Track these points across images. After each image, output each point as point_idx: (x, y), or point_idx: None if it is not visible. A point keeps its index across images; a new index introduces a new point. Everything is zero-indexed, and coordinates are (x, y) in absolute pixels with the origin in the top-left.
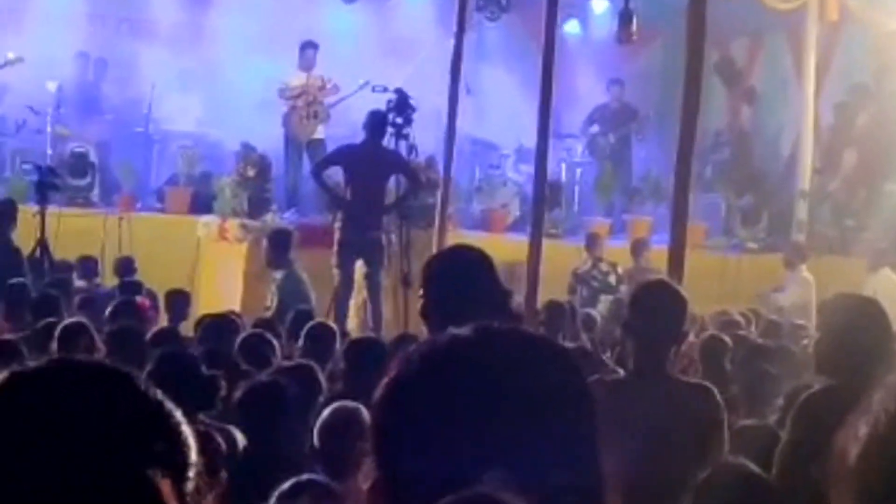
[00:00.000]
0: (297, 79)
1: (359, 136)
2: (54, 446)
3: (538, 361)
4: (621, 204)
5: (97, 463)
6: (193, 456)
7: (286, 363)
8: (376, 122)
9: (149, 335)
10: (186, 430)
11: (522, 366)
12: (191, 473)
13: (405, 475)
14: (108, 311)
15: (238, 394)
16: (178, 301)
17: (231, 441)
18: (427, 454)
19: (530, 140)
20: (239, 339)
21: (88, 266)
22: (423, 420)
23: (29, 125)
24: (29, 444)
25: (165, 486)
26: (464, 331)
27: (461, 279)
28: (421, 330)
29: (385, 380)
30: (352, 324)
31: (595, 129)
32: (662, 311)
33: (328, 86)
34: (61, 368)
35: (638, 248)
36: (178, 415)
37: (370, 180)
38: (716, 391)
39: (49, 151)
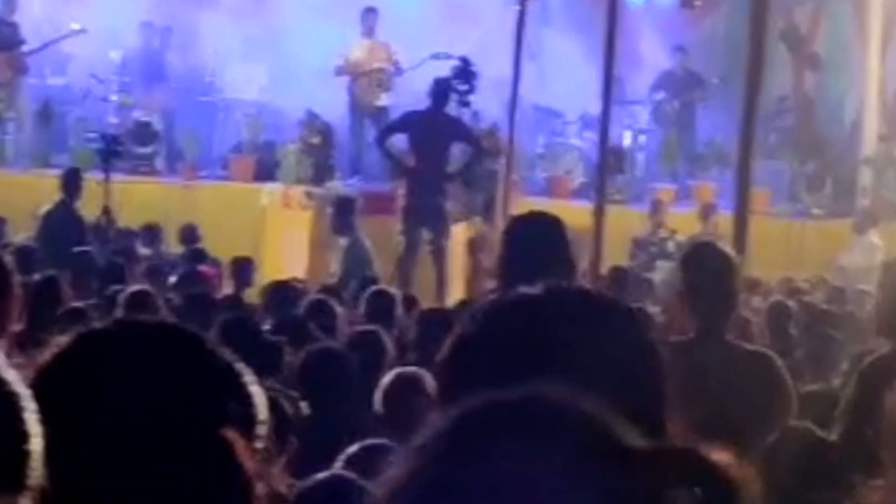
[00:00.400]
0: (360, 48)
1: (423, 104)
2: (127, 406)
3: (606, 320)
4: (685, 170)
5: (171, 422)
6: (264, 415)
7: (352, 330)
8: (440, 90)
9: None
10: (257, 389)
11: (590, 323)
12: (262, 432)
13: None
14: (172, 279)
15: (300, 361)
16: (243, 268)
17: (296, 407)
18: None
19: (594, 107)
20: (303, 306)
21: (152, 234)
22: (487, 377)
23: (93, 94)
24: (101, 404)
25: (239, 443)
26: (532, 289)
27: (536, 243)
28: (485, 296)
29: (450, 337)
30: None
31: (660, 95)
32: (710, 271)
33: (393, 58)
34: (131, 328)
35: (706, 214)
36: (248, 374)
37: (433, 147)
38: (776, 358)
39: (113, 120)
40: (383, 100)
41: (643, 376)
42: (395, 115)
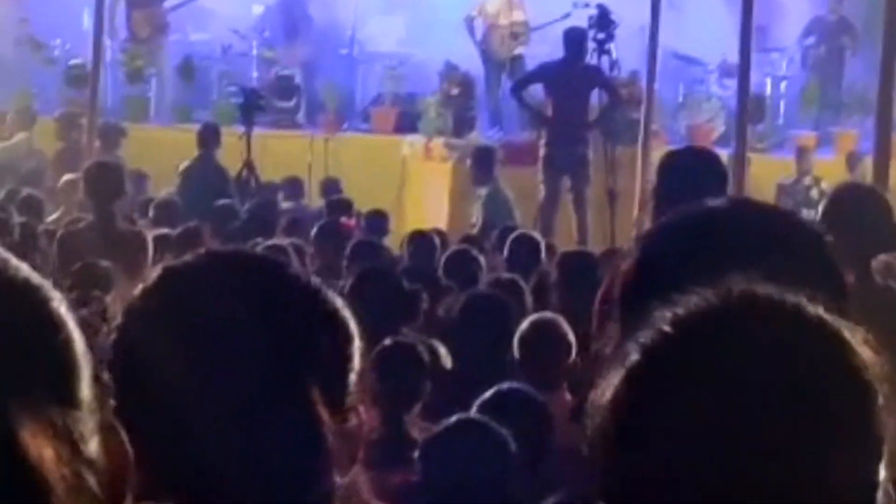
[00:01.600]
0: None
1: (556, 55)
2: (207, 337)
3: (791, 237)
4: (828, 117)
5: (252, 354)
6: (356, 346)
7: (491, 276)
8: (576, 39)
9: (348, 250)
10: (348, 316)
11: (775, 240)
12: (354, 363)
13: None
14: (313, 231)
15: (460, 304)
16: (376, 221)
17: (434, 354)
18: None
19: (735, 54)
20: (444, 256)
21: (294, 187)
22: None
23: (235, 49)
24: (180, 337)
25: (316, 394)
26: (717, 202)
27: (693, 175)
28: (627, 244)
29: (629, 259)
30: None
31: (811, 40)
32: (859, 215)
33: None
34: (212, 259)
35: (852, 161)
36: (339, 302)
37: (571, 97)
38: None
39: (255, 74)
40: (518, 51)
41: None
42: (530, 64)
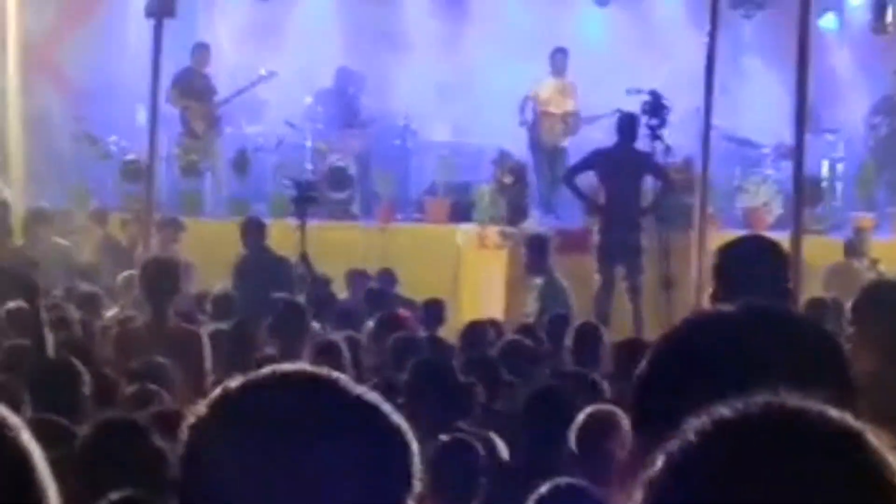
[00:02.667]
0: (549, 87)
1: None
2: (276, 464)
3: (802, 341)
4: (886, 198)
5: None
6: (415, 459)
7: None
8: (628, 125)
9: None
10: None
11: (785, 343)
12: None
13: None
14: (369, 324)
15: (524, 399)
16: (432, 310)
17: (491, 448)
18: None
19: (790, 136)
20: (499, 346)
21: (353, 277)
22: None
23: (288, 140)
24: (248, 460)
25: None
26: (729, 307)
27: (754, 267)
28: None
29: (648, 353)
30: None
31: (877, 119)
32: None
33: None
34: (272, 381)
35: None
36: (397, 419)
37: (624, 183)
38: None
39: (309, 166)
40: (565, 142)
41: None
42: (574, 153)
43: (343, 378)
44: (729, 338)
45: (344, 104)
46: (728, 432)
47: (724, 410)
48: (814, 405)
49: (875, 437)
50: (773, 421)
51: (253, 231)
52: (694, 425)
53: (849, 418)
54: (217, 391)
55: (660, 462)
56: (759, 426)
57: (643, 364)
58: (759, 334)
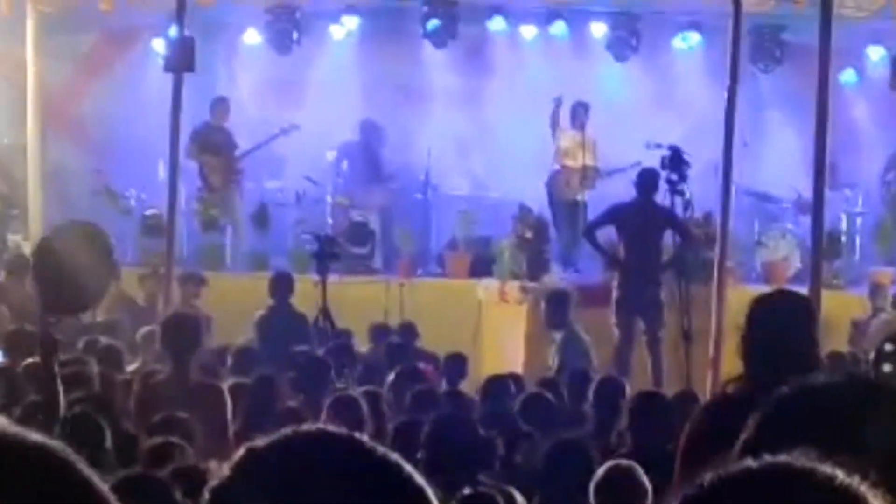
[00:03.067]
0: (569, 138)
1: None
2: None
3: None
4: None
5: None
6: None
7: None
8: (648, 180)
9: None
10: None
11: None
12: None
13: None
14: (390, 378)
15: (545, 452)
16: (455, 364)
17: (512, 502)
18: None
19: (809, 191)
20: (520, 400)
21: (375, 332)
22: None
23: (308, 195)
24: None
25: None
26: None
27: (785, 323)
28: (703, 386)
29: (695, 417)
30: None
31: (891, 175)
32: None
33: (598, 165)
34: (294, 442)
35: None
36: (419, 478)
37: (644, 238)
38: None
39: (329, 220)
40: (583, 196)
41: None
42: (592, 210)
43: (365, 439)
44: (837, 410)
45: (369, 157)
46: (732, 487)
47: (735, 466)
48: (825, 468)
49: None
50: (777, 479)
51: (282, 286)
52: (704, 479)
53: (855, 482)
54: (240, 453)
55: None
56: (762, 483)
57: (750, 427)
58: (864, 408)
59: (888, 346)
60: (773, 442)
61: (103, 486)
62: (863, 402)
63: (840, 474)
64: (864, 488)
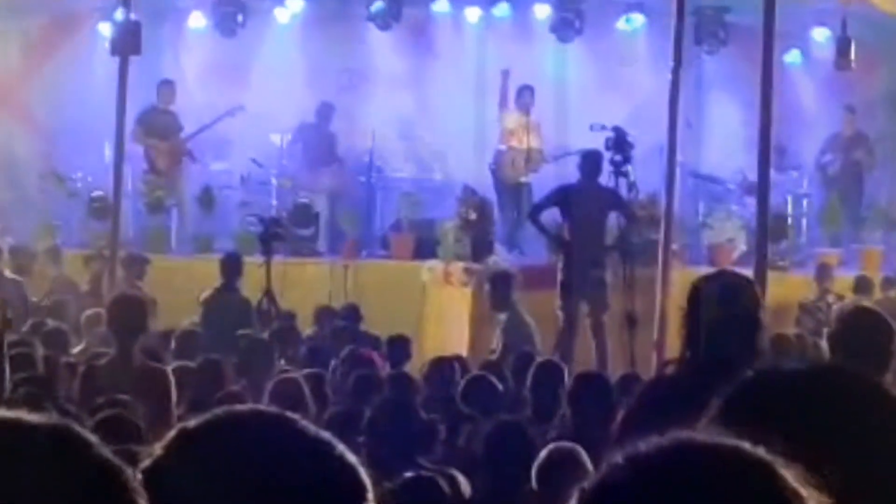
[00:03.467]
0: (514, 120)
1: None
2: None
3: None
4: (850, 234)
5: None
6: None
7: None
8: (592, 162)
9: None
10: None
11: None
12: None
13: None
14: (333, 362)
15: (485, 435)
16: (399, 346)
17: (454, 484)
18: None
19: (754, 172)
20: (462, 383)
21: (319, 315)
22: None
23: (254, 177)
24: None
25: None
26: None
27: (727, 304)
28: (648, 369)
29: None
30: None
31: (828, 157)
32: (864, 338)
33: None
34: (226, 421)
35: (862, 284)
36: (352, 457)
37: (588, 219)
38: None
39: (274, 203)
40: (528, 178)
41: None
42: (537, 192)
43: (297, 418)
44: (799, 396)
45: (323, 139)
46: (639, 466)
47: (640, 445)
48: (730, 441)
49: (788, 470)
50: (684, 454)
51: (233, 268)
52: (610, 460)
53: (761, 451)
54: (171, 433)
55: (574, 499)
56: (669, 460)
57: (713, 408)
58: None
59: None
60: (735, 425)
61: (122, 465)
62: (826, 388)
63: (746, 445)
64: (772, 459)
